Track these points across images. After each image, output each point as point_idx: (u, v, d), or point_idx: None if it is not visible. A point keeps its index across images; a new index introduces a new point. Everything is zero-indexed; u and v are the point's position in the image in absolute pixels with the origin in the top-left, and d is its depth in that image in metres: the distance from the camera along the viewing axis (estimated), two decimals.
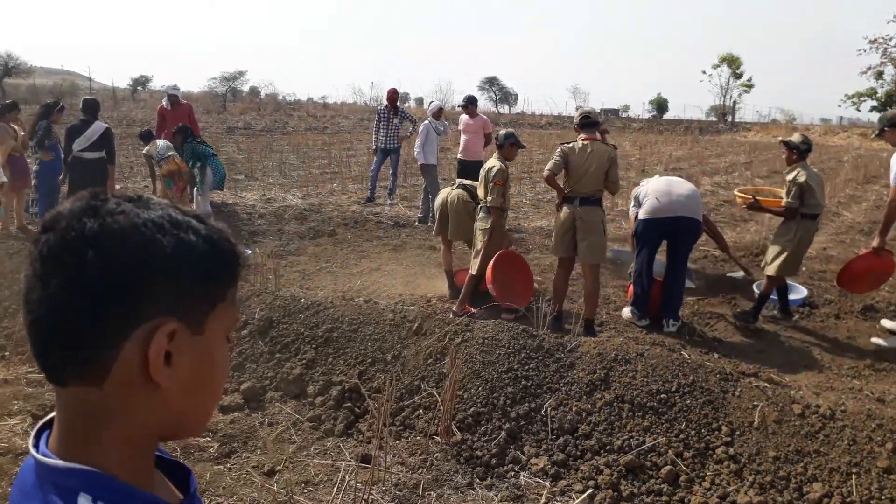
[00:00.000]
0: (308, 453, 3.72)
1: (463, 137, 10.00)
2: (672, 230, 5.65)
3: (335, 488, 3.29)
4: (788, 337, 5.77)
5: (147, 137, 9.51)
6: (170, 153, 8.51)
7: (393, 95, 11.13)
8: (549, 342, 4.30)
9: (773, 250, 5.71)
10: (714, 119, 54.21)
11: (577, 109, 6.31)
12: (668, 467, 3.40)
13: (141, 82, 46.51)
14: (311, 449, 3.77)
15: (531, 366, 4.14)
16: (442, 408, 3.80)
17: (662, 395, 3.74)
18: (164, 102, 10.52)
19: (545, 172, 5.44)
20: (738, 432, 3.50)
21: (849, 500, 3.11)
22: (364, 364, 4.40)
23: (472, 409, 3.92)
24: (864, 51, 46.76)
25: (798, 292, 6.55)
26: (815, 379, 4.95)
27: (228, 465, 3.57)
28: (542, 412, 3.85)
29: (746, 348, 5.39)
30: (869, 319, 6.22)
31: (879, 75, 45.58)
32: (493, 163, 5.85)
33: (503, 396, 3.96)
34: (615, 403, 3.79)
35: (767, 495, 3.21)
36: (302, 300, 5.00)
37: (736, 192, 7.38)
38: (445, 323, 4.57)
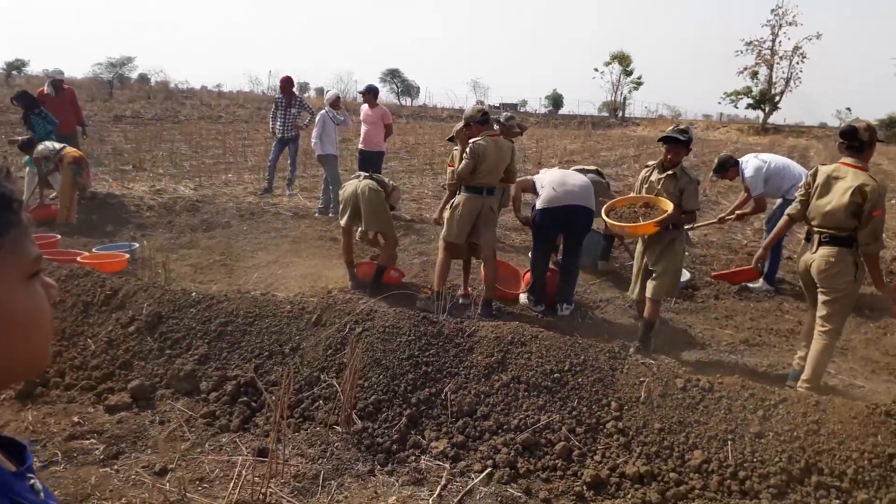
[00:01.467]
0: (203, 450, 3.60)
1: (363, 128, 9.93)
2: (568, 219, 5.84)
3: (231, 484, 3.20)
4: (672, 317, 6.12)
5: (28, 146, 8.47)
6: (59, 145, 8.28)
7: (286, 84, 10.86)
8: (449, 328, 4.35)
9: (663, 269, 5.12)
10: (606, 114, 56.43)
11: (477, 103, 6.45)
12: (562, 443, 3.52)
13: (16, 66, 43.08)
14: (206, 446, 3.64)
15: (431, 352, 4.17)
16: (342, 397, 3.77)
17: (556, 375, 3.87)
18: (47, 87, 9.86)
19: (461, 172, 5.57)
20: (626, 407, 3.68)
21: (725, 463, 3.34)
22: (261, 357, 4.29)
23: (373, 398, 3.91)
24: (742, 52, 50.06)
25: (681, 276, 6.97)
26: (696, 355, 5.29)
27: (116, 467, 3.39)
28: (443, 396, 3.89)
29: (634, 329, 5.67)
30: (744, 300, 6.70)
31: (755, 75, 49.01)
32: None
33: (404, 383, 3.97)
34: (511, 384, 3.88)
35: (653, 464, 3.40)
36: (193, 294, 4.81)
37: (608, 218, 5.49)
38: (346, 313, 4.53)
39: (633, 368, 3.89)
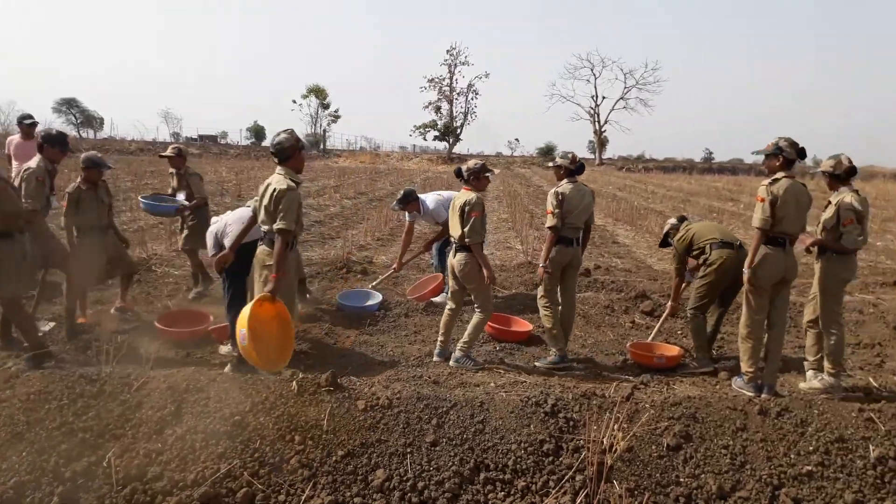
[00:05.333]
0: None
1: (14, 164, 8.56)
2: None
3: None
4: (365, 340, 6.27)
5: None
6: None
7: None
8: (113, 384, 3.87)
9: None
10: (308, 147, 57.15)
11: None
12: (244, 490, 3.32)
13: None
14: None
15: (91, 414, 3.67)
16: None
17: (237, 418, 3.66)
18: None
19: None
20: (310, 439, 3.61)
21: (405, 477, 3.44)
22: None
23: (13, 481, 3.28)
24: (425, 88, 54.78)
25: (374, 298, 7.23)
26: (387, 373, 5.46)
27: None
28: (105, 463, 3.42)
29: (329, 355, 5.67)
30: (430, 314, 7.15)
31: (438, 109, 53.92)
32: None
33: (55, 456, 3.41)
34: (188, 436, 3.57)
35: (338, 493, 3.37)
36: None
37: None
38: None
39: (316, 396, 3.85)
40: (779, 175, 4.72)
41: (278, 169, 4.74)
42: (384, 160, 50.21)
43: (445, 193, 7.93)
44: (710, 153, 63.73)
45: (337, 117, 58.97)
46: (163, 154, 7.63)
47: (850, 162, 4.94)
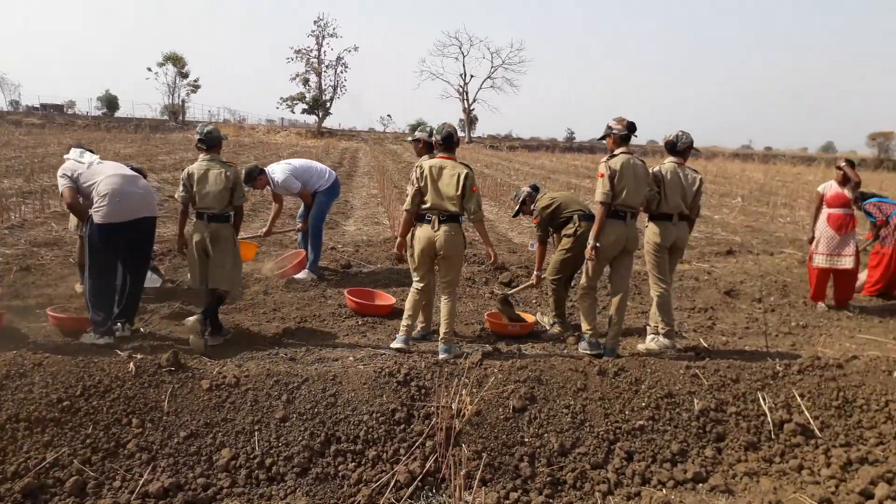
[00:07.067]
0: None
1: None
2: (133, 232, 5.11)
3: None
4: (222, 318, 6.02)
5: None
6: None
7: None
8: None
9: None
10: (167, 118, 53.79)
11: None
12: (73, 478, 3.10)
13: None
14: None
15: None
16: None
17: (66, 403, 3.40)
18: None
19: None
20: (149, 421, 3.43)
21: (252, 455, 3.36)
22: None
23: None
24: (292, 59, 53.06)
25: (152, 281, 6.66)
26: (242, 353, 5.28)
27: None
28: None
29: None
30: (291, 291, 6.98)
31: (306, 82, 52.46)
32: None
33: None
34: (8, 426, 3.28)
35: (180, 475, 3.23)
36: None
37: None
38: None
39: (157, 377, 3.65)
40: (616, 151, 5.02)
41: (212, 156, 5.27)
42: (249, 133, 48.24)
43: (297, 162, 7.64)
44: (572, 133, 66.82)
45: (197, 87, 55.68)
46: None
47: (677, 137, 5.38)
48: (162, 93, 60.78)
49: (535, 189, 6.29)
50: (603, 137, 5.18)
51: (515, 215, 6.63)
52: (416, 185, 4.98)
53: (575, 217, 5.75)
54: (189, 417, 3.47)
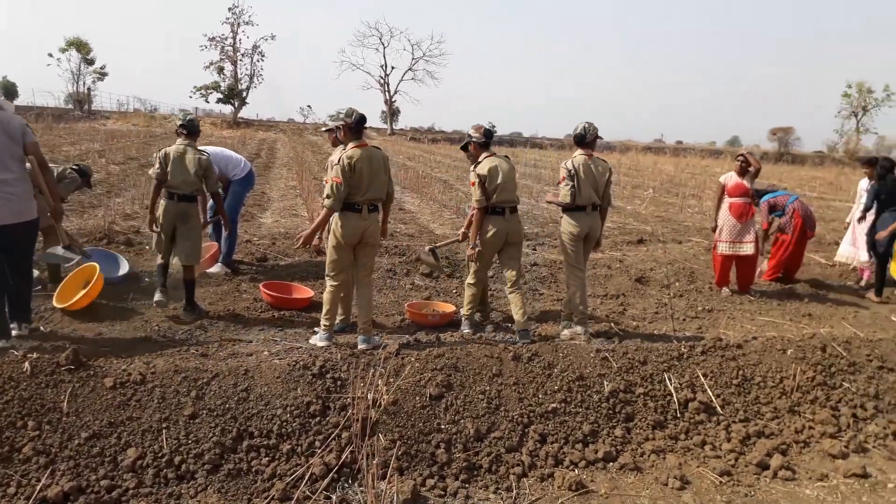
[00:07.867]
0: None
1: None
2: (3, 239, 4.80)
3: None
4: (128, 315, 5.78)
5: None
6: None
7: None
8: None
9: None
10: (71, 107, 50.92)
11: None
12: None
13: None
14: None
15: None
16: None
17: None
18: None
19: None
20: (46, 423, 3.25)
21: (160, 454, 3.24)
22: None
23: None
24: (206, 47, 51.21)
25: (122, 267, 6.78)
26: (151, 349, 5.08)
27: None
28: None
29: (86, 331, 5.14)
30: (204, 285, 6.77)
31: (221, 70, 50.79)
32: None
33: None
34: None
35: (82, 477, 3.09)
36: None
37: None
38: None
39: (55, 377, 3.47)
40: (481, 158, 5.36)
41: (190, 142, 5.74)
42: (161, 123, 46.27)
43: (210, 149, 7.35)
44: (493, 126, 67.46)
45: (104, 75, 52.96)
46: None
47: (584, 129, 5.57)
48: (65, 80, 57.50)
49: (488, 136, 5.56)
50: (464, 147, 5.53)
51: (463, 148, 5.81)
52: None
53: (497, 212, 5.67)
54: (91, 417, 3.31)
